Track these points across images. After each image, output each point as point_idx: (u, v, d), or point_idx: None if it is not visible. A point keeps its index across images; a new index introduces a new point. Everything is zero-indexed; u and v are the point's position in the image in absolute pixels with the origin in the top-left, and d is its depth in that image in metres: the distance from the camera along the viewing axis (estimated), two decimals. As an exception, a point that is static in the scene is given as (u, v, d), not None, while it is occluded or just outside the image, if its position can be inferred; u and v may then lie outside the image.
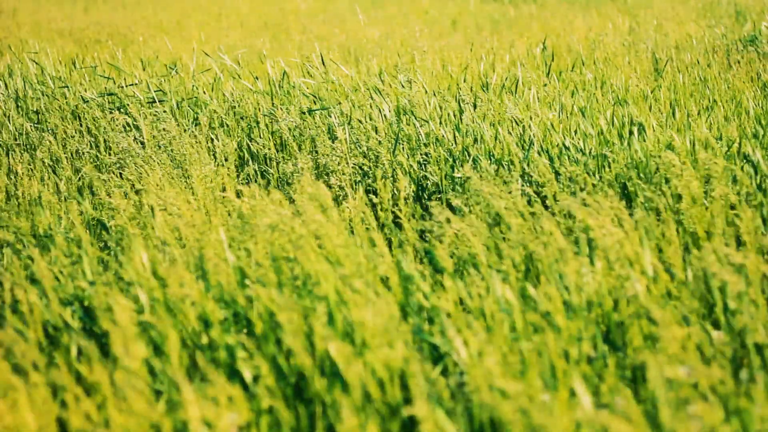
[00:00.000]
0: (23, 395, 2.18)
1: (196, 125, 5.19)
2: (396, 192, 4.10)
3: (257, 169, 4.74)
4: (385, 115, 4.89)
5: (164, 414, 2.23)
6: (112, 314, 2.49)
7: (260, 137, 5.00)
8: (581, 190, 3.58)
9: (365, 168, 4.41)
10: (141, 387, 2.19)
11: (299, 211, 3.02)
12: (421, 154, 4.37)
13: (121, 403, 2.17)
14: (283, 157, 4.82)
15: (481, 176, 3.62)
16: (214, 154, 4.78)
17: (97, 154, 5.00)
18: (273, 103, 5.42)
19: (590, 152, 4.11)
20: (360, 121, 4.86)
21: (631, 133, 4.18)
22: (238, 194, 4.08)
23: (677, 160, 3.44)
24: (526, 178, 3.99)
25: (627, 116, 4.58)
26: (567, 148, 4.13)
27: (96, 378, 2.26)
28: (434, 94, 5.29)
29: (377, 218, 3.82)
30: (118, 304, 2.38)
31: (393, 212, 3.98)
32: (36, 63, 6.77)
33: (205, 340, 2.55)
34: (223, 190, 4.13)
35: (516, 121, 4.62)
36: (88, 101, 5.68)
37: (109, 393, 2.21)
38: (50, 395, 2.29)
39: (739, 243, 3.11)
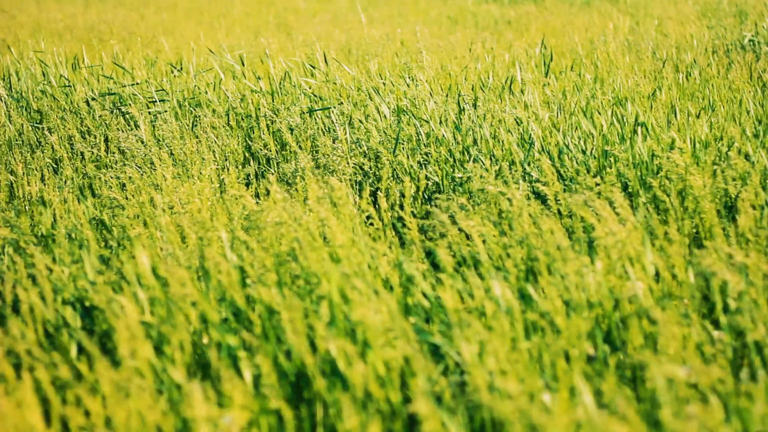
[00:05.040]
0: (29, 393, 2.18)
1: (196, 125, 5.19)
2: (401, 192, 4.10)
3: (257, 169, 4.74)
4: (385, 115, 4.89)
5: (167, 413, 2.23)
6: (117, 314, 2.50)
7: (261, 137, 5.01)
8: (583, 189, 3.59)
9: (366, 168, 4.42)
10: (147, 386, 2.20)
11: (310, 210, 3.03)
12: (421, 154, 4.37)
13: (124, 402, 2.17)
14: (283, 156, 4.82)
15: (482, 176, 3.62)
16: (214, 153, 4.78)
17: (99, 153, 5.00)
18: (274, 103, 5.42)
19: (591, 152, 4.12)
20: (361, 121, 4.87)
21: (635, 132, 4.19)
22: (254, 192, 4.10)
23: (681, 160, 3.45)
24: (526, 178, 4.00)
25: (629, 116, 4.59)
26: (568, 148, 4.14)
27: (97, 377, 2.27)
28: (432, 94, 5.29)
29: (380, 218, 3.82)
30: (125, 304, 2.38)
31: (396, 212, 3.98)
32: (41, 61, 6.78)
33: (205, 339, 2.56)
34: (223, 189, 4.14)
35: (516, 121, 4.62)
36: (89, 101, 5.68)
37: (110, 392, 2.22)
38: (54, 393, 2.29)
39: (740, 243, 3.11)
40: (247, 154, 4.92)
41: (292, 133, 4.97)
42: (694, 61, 6.74)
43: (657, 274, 2.77)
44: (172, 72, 6.27)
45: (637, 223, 2.93)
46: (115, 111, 5.52)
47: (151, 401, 2.20)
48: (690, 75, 6.25)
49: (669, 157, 3.54)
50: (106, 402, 2.23)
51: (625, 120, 4.52)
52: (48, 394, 2.29)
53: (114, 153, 4.98)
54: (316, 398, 2.35)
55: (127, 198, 3.95)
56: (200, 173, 4.24)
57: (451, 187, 4.10)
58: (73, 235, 3.33)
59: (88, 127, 5.43)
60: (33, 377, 2.36)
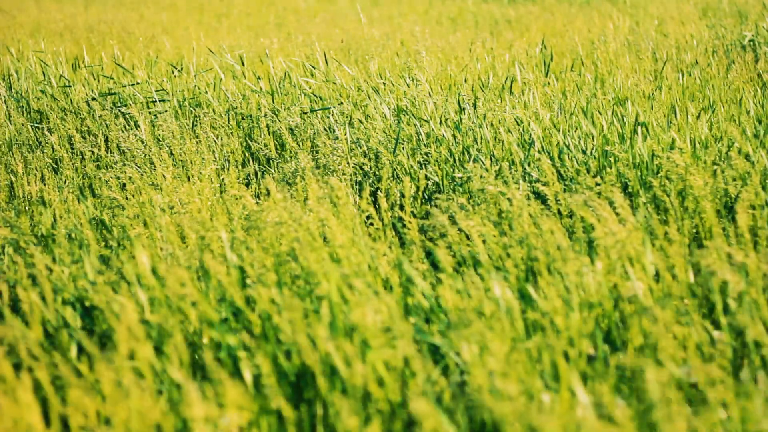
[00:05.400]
0: (28, 393, 2.18)
1: (196, 125, 5.19)
2: (400, 192, 4.10)
3: (257, 169, 4.74)
4: (385, 115, 4.89)
5: (166, 413, 2.23)
6: (117, 314, 2.50)
7: (260, 137, 5.01)
8: (583, 189, 3.59)
9: (366, 168, 4.42)
10: (147, 387, 2.20)
11: (310, 210, 3.04)
12: (421, 154, 4.37)
13: (123, 402, 2.17)
14: (281, 156, 4.82)
15: (482, 176, 3.62)
16: (214, 153, 4.78)
17: (99, 153, 5.00)
18: (274, 103, 5.42)
19: (591, 152, 4.12)
20: (361, 121, 4.87)
21: (635, 132, 4.19)
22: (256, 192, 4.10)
23: (681, 160, 3.45)
24: (526, 178, 4.00)
25: (629, 116, 4.59)
26: (568, 148, 4.14)
27: (97, 377, 2.27)
28: (431, 94, 5.29)
29: (380, 218, 3.82)
30: (125, 304, 2.38)
31: (396, 212, 3.98)
32: (42, 61, 6.78)
33: (205, 339, 2.56)
34: (223, 189, 4.14)
35: (517, 121, 4.62)
36: (89, 101, 5.68)
37: (110, 392, 2.22)
38: (54, 393, 2.29)
39: (740, 242, 3.11)
40: (247, 154, 4.92)
41: (292, 133, 4.97)
42: (696, 61, 6.74)
43: (657, 274, 2.77)
44: (173, 72, 6.28)
45: (637, 223, 2.93)
46: (115, 111, 5.52)
47: (151, 401, 2.20)
48: (690, 75, 6.26)
49: (669, 157, 3.54)
50: (105, 402, 2.23)
51: (625, 120, 4.52)
52: (47, 394, 2.29)
53: (114, 153, 4.98)
54: (316, 398, 2.35)
55: (127, 198, 3.95)
56: (200, 173, 4.24)
57: (451, 187, 4.10)
58: (73, 235, 3.33)
59: (88, 127, 5.43)
60: (32, 377, 2.36)
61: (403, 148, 4.41)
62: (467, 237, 3.24)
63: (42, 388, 2.37)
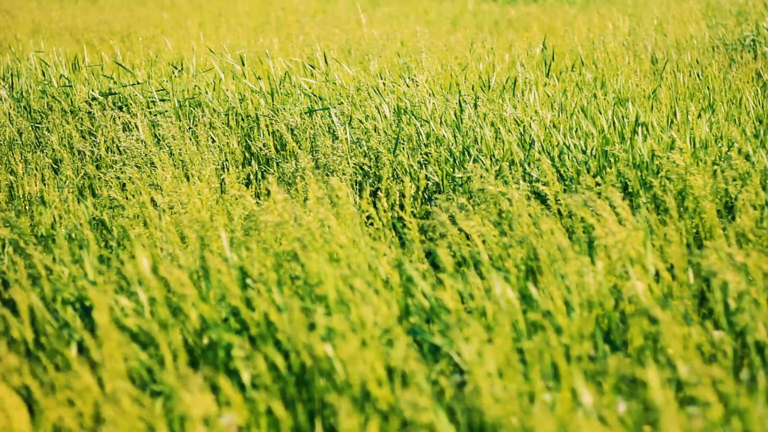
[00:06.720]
0: (14, 397, 2.18)
1: (195, 125, 5.19)
2: (401, 192, 4.10)
3: (257, 169, 4.74)
4: (385, 115, 4.89)
5: (161, 415, 2.23)
6: (101, 315, 2.49)
7: (260, 137, 5.01)
8: (584, 189, 3.59)
9: (366, 168, 4.41)
10: (129, 390, 2.18)
11: (309, 210, 3.04)
12: (421, 154, 4.37)
13: (121, 403, 2.17)
14: (281, 156, 4.82)
15: (482, 176, 3.62)
16: (213, 154, 4.78)
17: (99, 153, 5.00)
18: (274, 103, 5.42)
19: (592, 152, 4.11)
20: (361, 121, 4.86)
21: (635, 132, 4.18)
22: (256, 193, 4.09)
23: (681, 160, 3.44)
24: (526, 178, 4.00)
25: (629, 116, 4.58)
26: (568, 148, 4.13)
27: (88, 380, 2.26)
28: (432, 94, 5.29)
29: (380, 218, 3.82)
30: (100, 305, 2.36)
31: (396, 212, 3.98)
32: (42, 61, 6.79)
33: (205, 340, 2.55)
34: (223, 189, 4.13)
35: (517, 121, 4.62)
36: (89, 101, 5.68)
37: (108, 392, 2.21)
38: (44, 396, 2.29)
39: (741, 242, 3.11)
40: (247, 154, 4.92)
41: (292, 133, 4.97)
42: (697, 62, 6.74)
43: (657, 274, 2.77)
44: (173, 72, 6.27)
45: (637, 223, 2.93)
46: (115, 111, 5.52)
47: (148, 402, 2.19)
48: (690, 75, 6.25)
49: (669, 157, 3.54)
50: (103, 403, 2.23)
51: (625, 120, 4.51)
52: (37, 396, 2.28)
53: (114, 153, 4.97)
54: (315, 398, 2.34)
55: (127, 198, 3.94)
56: (200, 173, 4.24)
57: (451, 187, 4.09)
58: (73, 235, 3.33)
59: (89, 127, 5.43)
60: (20, 382, 2.35)
61: (403, 148, 4.41)
62: (467, 237, 3.24)
63: (32, 392, 2.37)
